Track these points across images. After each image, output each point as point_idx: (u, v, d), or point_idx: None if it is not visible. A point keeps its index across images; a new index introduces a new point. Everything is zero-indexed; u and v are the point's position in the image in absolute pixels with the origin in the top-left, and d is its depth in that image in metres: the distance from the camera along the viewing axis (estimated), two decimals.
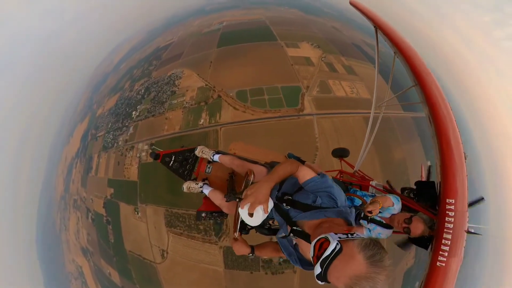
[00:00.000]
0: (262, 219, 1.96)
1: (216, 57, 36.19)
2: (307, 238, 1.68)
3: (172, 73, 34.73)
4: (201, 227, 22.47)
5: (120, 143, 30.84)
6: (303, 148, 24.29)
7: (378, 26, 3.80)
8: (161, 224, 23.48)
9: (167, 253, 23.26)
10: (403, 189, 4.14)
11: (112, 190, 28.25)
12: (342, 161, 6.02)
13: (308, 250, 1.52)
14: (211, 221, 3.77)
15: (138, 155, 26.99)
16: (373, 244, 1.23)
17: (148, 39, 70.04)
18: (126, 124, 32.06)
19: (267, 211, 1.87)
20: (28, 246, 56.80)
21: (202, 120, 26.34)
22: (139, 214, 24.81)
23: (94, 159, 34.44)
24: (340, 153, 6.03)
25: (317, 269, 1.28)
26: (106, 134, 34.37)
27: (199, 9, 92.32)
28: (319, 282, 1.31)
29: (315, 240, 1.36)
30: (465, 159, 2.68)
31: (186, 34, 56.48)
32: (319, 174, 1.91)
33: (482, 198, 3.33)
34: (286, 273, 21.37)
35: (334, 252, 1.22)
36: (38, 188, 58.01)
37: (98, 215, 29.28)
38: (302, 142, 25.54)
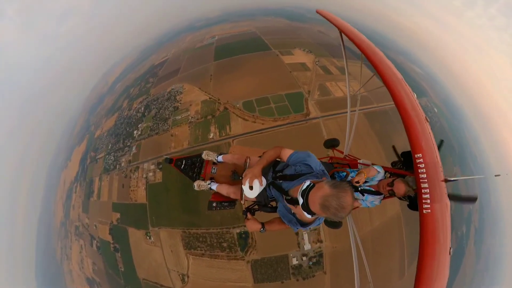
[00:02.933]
0: (260, 190, 2.41)
1: (215, 70, 35.32)
2: (298, 202, 1.93)
3: (172, 89, 33.22)
4: (225, 244, 20.41)
5: (122, 164, 28.58)
6: (315, 150, 23.55)
7: (342, 31, 4.17)
8: (179, 247, 21.21)
9: (187, 277, 20.78)
10: (393, 163, 4.30)
11: (118, 215, 25.71)
12: (334, 150, 6.50)
13: (301, 213, 1.90)
14: (221, 209, 3.83)
15: (144, 175, 24.76)
16: (338, 181, 1.73)
17: (142, 58, 68.71)
18: (128, 144, 29.93)
19: (262, 184, 2.38)
20: (27, 279, 52.20)
21: (211, 134, 24.66)
22: (152, 238, 22.42)
23: (95, 182, 31.88)
24: (331, 143, 6.49)
25: (300, 200, 1.80)
26: (107, 156, 32.04)
27: (189, 26, 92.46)
28: (306, 213, 1.79)
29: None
30: (427, 121, 3.06)
31: (180, 50, 55.55)
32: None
33: (442, 140, 3.65)
34: (317, 275, 20.18)
35: (309, 187, 1.74)
36: (35, 215, 54.20)
37: (104, 242, 26.53)
38: (314, 144, 24.89)
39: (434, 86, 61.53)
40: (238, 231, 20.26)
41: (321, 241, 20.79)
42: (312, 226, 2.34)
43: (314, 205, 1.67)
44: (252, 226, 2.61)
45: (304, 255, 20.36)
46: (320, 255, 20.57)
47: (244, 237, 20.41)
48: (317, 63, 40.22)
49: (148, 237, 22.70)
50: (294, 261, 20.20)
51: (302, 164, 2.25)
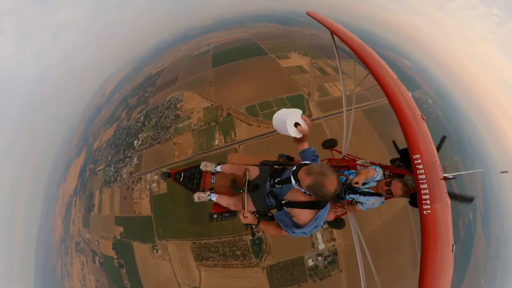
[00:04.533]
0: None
1: (214, 76, 34.76)
2: (292, 204, 2.27)
3: (172, 97, 32.38)
4: (238, 252, 19.47)
5: (124, 175, 27.39)
6: (321, 150, 23.83)
7: (332, 31, 4.12)
8: (189, 259, 20.09)
9: None
10: (392, 161, 4.11)
11: (121, 229, 24.42)
12: (333, 151, 6.13)
13: (297, 214, 2.24)
14: (222, 220, 3.62)
15: (148, 186, 23.62)
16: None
17: (138, 68, 67.87)
18: (129, 154, 28.81)
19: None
20: None
21: (216, 141, 23.79)
22: (159, 252, 21.21)
23: (95, 195, 30.55)
24: (329, 144, 6.13)
25: (293, 181, 2.11)
26: (107, 168, 30.81)
27: (184, 35, 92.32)
28: (293, 181, 2.11)
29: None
30: (423, 119, 2.94)
31: (177, 58, 54.99)
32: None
33: (444, 137, 3.52)
34: (333, 274, 19.75)
35: (300, 166, 2.12)
36: (34, 231, 52.07)
37: (107, 258, 25.11)
38: (319, 144, 24.56)
39: (425, 77, 62.74)
40: (251, 237, 19.27)
41: (334, 240, 20.44)
42: (308, 229, 2.26)
43: (303, 182, 1.96)
44: (248, 219, 2.55)
45: (319, 255, 19.99)
46: (335, 253, 20.24)
47: (258, 243, 19.65)
48: (313, 65, 40.34)
49: (155, 251, 21.48)
50: (310, 262, 19.77)
51: (312, 156, 2.66)
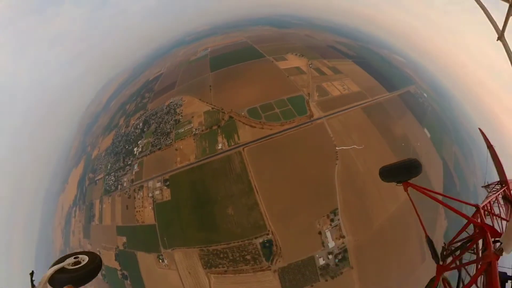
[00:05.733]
0: None
1: (213, 80, 34.07)
2: None
3: (171, 102, 31.67)
4: (248, 256, 18.80)
5: (125, 184, 26.53)
6: (325, 148, 24.05)
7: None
8: (197, 267, 19.26)
9: None
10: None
11: (124, 239, 23.45)
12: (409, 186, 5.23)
13: None
14: None
15: (150, 194, 22.77)
16: None
17: (135, 75, 66.96)
18: (129, 162, 27.96)
19: None
20: None
21: (220, 145, 23.09)
22: (165, 261, 20.29)
23: (95, 205, 29.56)
24: (409, 169, 5.20)
25: None
26: (107, 176, 29.89)
27: (180, 40, 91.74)
28: None
29: None
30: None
31: (174, 64, 54.32)
32: None
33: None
34: (344, 272, 19.57)
35: None
36: (33, 244, 50.42)
37: (110, 270, 24.08)
38: (322, 143, 24.65)
39: (419, 72, 63.43)
40: (261, 240, 18.99)
41: (343, 236, 20.20)
42: None
43: None
44: None
45: (329, 253, 19.78)
46: (345, 250, 20.06)
47: (268, 245, 18.98)
48: (310, 65, 40.33)
49: (160, 260, 20.52)
50: (321, 261, 19.56)
51: None
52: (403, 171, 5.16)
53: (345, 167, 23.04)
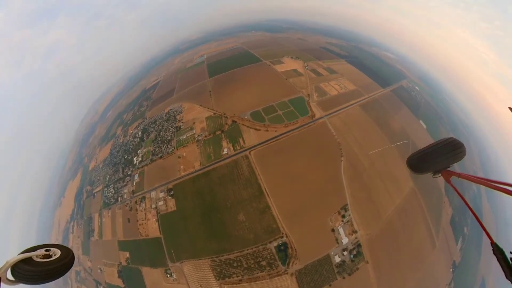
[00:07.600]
0: None
1: (213, 86, 33.24)
2: None
3: (170, 109, 30.57)
4: (264, 262, 17.75)
5: (125, 196, 25.10)
6: (329, 147, 23.88)
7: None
8: (209, 279, 17.93)
9: None
10: None
11: (127, 254, 21.90)
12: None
13: None
14: None
15: (153, 205, 21.39)
16: None
17: (131, 84, 65.79)
18: (129, 173, 26.59)
19: None
20: None
21: (225, 150, 22.04)
22: (174, 275, 18.79)
23: (94, 219, 27.92)
24: (452, 152, 3.94)
25: None
26: (105, 188, 28.38)
27: (175, 49, 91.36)
28: None
29: None
30: None
31: (170, 72, 53.44)
32: None
33: None
34: (360, 267, 19.13)
35: None
36: None
37: None
38: (326, 142, 24.36)
39: (409, 67, 64.88)
40: (275, 244, 18.06)
41: (355, 231, 19.70)
42: None
43: None
44: None
45: (344, 249, 19.30)
46: (359, 245, 19.60)
47: (283, 248, 18.04)
48: (306, 67, 40.36)
49: (168, 275, 19.02)
50: (337, 259, 19.06)
51: None
52: (442, 156, 3.87)
53: (350, 163, 22.68)
